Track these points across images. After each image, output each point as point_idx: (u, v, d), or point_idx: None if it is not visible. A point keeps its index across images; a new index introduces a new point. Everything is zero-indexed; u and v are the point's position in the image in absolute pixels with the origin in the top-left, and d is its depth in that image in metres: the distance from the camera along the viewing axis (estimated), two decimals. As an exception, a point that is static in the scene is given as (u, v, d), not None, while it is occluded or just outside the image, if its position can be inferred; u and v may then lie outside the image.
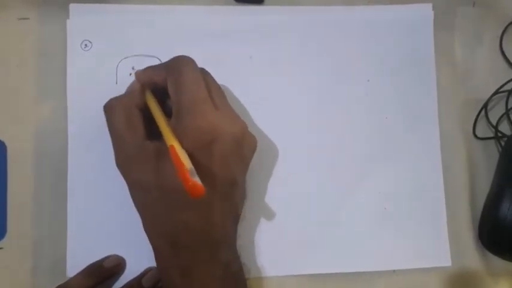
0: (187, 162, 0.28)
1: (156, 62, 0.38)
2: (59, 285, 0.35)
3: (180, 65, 0.32)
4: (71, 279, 0.36)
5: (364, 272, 0.38)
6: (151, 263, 0.37)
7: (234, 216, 0.34)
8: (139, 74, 0.34)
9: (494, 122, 0.41)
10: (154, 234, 0.33)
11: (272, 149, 0.39)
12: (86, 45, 0.38)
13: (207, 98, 0.31)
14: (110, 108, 0.33)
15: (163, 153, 0.30)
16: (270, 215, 0.38)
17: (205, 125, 0.30)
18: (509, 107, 0.41)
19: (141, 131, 0.32)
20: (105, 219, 0.37)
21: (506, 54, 0.42)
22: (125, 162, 0.32)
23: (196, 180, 0.27)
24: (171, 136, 0.30)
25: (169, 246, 0.32)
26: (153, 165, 0.31)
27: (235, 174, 0.33)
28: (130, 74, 0.38)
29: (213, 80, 0.34)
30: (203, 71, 0.33)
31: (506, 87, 0.41)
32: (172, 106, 0.32)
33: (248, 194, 0.37)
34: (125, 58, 0.38)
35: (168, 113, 0.33)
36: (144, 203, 0.33)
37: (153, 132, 0.33)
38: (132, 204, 0.37)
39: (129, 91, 0.34)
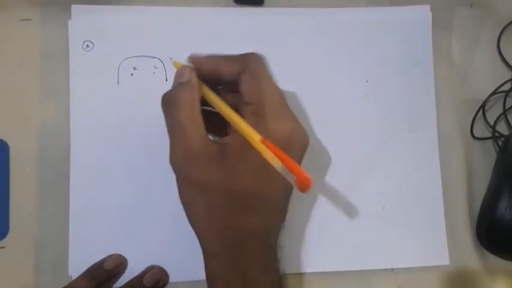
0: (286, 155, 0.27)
1: (157, 63, 0.39)
2: None
3: (259, 63, 0.31)
4: (73, 281, 0.36)
5: (362, 271, 0.39)
6: (153, 261, 0.37)
7: (283, 223, 0.33)
8: (197, 60, 0.32)
9: (491, 122, 0.41)
10: (213, 238, 0.31)
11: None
12: (87, 45, 0.38)
13: (286, 105, 0.31)
14: (172, 100, 0.30)
15: (229, 153, 0.30)
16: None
17: (286, 131, 0.30)
18: (506, 107, 0.41)
19: (203, 127, 0.30)
20: (106, 218, 0.37)
21: (504, 54, 0.42)
22: (184, 160, 0.30)
23: (305, 171, 0.27)
24: (255, 132, 0.29)
25: (232, 250, 0.30)
26: (218, 166, 0.29)
27: None
28: (131, 75, 0.39)
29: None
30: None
31: (503, 88, 0.41)
32: (245, 103, 0.30)
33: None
34: (126, 59, 0.39)
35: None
36: (204, 205, 0.30)
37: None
38: (133, 204, 0.37)
39: (186, 82, 0.31)
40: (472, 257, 0.40)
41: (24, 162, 0.38)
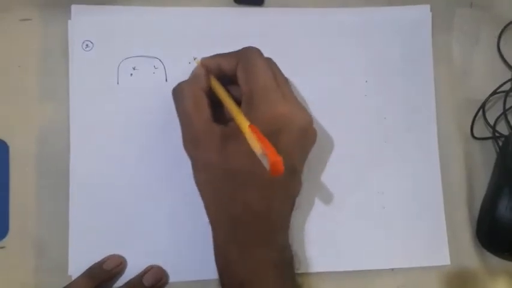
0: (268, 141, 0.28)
1: (156, 63, 0.39)
2: None
3: (251, 54, 0.34)
4: (73, 282, 0.36)
5: (362, 271, 0.39)
6: (152, 261, 0.37)
7: (291, 203, 0.35)
8: (206, 60, 0.36)
9: (492, 122, 0.41)
10: (215, 211, 0.34)
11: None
12: (87, 45, 0.38)
13: (277, 88, 0.33)
14: (179, 92, 0.35)
15: (228, 135, 0.33)
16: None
17: (275, 113, 0.32)
18: (506, 107, 0.41)
19: (207, 113, 0.34)
20: (106, 218, 0.37)
21: (504, 54, 0.42)
22: (191, 142, 0.34)
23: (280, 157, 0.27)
24: (244, 118, 0.31)
25: (230, 223, 0.33)
26: (218, 147, 0.33)
27: (296, 164, 0.34)
28: (131, 75, 0.39)
29: (279, 70, 0.35)
30: (270, 61, 0.35)
31: (503, 88, 0.41)
32: (241, 93, 0.33)
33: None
34: (126, 59, 0.39)
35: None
36: (207, 181, 0.34)
37: (214, 116, 0.34)
38: (133, 204, 0.38)
39: (194, 75, 0.36)
40: (472, 257, 0.40)
41: (24, 162, 0.38)
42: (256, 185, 0.32)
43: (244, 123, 0.30)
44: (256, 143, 0.28)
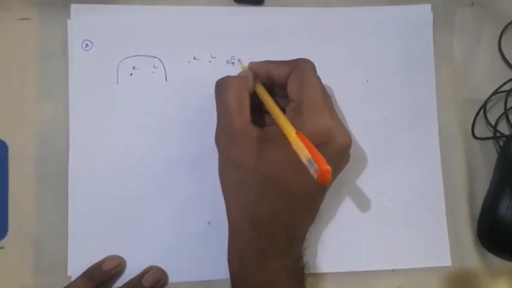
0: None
1: (156, 62, 0.38)
2: None
3: (306, 66, 0.34)
4: (72, 282, 0.36)
5: (363, 272, 0.39)
6: (152, 262, 0.37)
7: (312, 217, 0.35)
8: (255, 65, 0.36)
9: (493, 122, 0.41)
10: (238, 214, 0.34)
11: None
12: (86, 45, 0.38)
13: (326, 104, 0.33)
14: (224, 85, 0.34)
15: (265, 139, 0.32)
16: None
17: (321, 128, 0.32)
18: (507, 107, 0.41)
19: (248, 113, 0.33)
20: (105, 218, 0.37)
21: (505, 54, 0.42)
22: (226, 139, 0.34)
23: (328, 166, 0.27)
24: (290, 124, 0.31)
25: (252, 229, 0.33)
26: (255, 149, 0.32)
27: None
28: (131, 75, 0.38)
29: (325, 88, 0.35)
30: (319, 78, 0.34)
31: (505, 88, 0.41)
32: (289, 101, 0.33)
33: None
34: (126, 58, 0.38)
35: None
36: (236, 181, 0.33)
37: (253, 120, 0.34)
38: (132, 205, 0.37)
39: (242, 76, 0.35)
40: (473, 257, 0.40)
41: (23, 162, 0.37)
42: (286, 194, 0.32)
43: (291, 129, 0.30)
44: (304, 149, 0.28)
